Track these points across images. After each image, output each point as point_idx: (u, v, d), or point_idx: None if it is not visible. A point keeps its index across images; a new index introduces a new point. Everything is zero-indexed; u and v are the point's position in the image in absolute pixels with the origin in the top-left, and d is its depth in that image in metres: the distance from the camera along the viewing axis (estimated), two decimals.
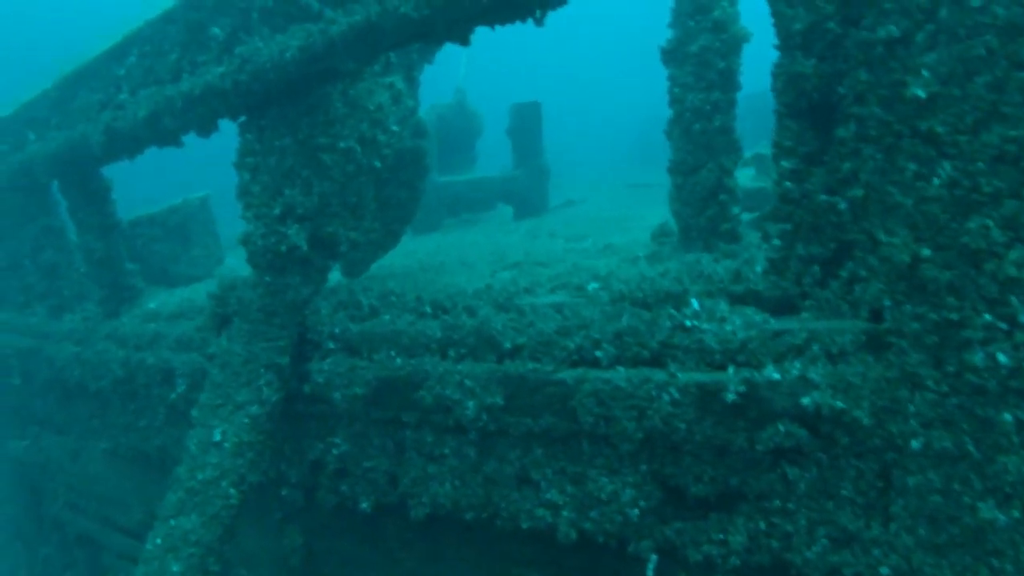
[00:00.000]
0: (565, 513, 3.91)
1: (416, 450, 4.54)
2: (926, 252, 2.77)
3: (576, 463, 3.91)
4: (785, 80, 3.20)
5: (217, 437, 4.48)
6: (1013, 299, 2.59)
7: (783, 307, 3.43)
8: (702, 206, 4.85)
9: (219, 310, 4.86)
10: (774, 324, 3.32)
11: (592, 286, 4.04)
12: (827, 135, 3.17)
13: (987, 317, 2.67)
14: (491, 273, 6.26)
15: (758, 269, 3.61)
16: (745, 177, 7.17)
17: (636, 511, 3.71)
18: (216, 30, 4.35)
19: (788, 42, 3.15)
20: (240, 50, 4.18)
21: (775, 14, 3.21)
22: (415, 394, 4.29)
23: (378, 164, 4.88)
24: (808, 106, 3.18)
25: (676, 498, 3.69)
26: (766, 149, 7.35)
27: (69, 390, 7.32)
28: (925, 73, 2.67)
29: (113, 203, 6.75)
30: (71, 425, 7.93)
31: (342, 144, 4.61)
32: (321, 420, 4.98)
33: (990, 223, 2.61)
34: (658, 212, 10.32)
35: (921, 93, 2.67)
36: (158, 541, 4.34)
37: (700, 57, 4.64)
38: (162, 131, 4.93)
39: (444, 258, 7.26)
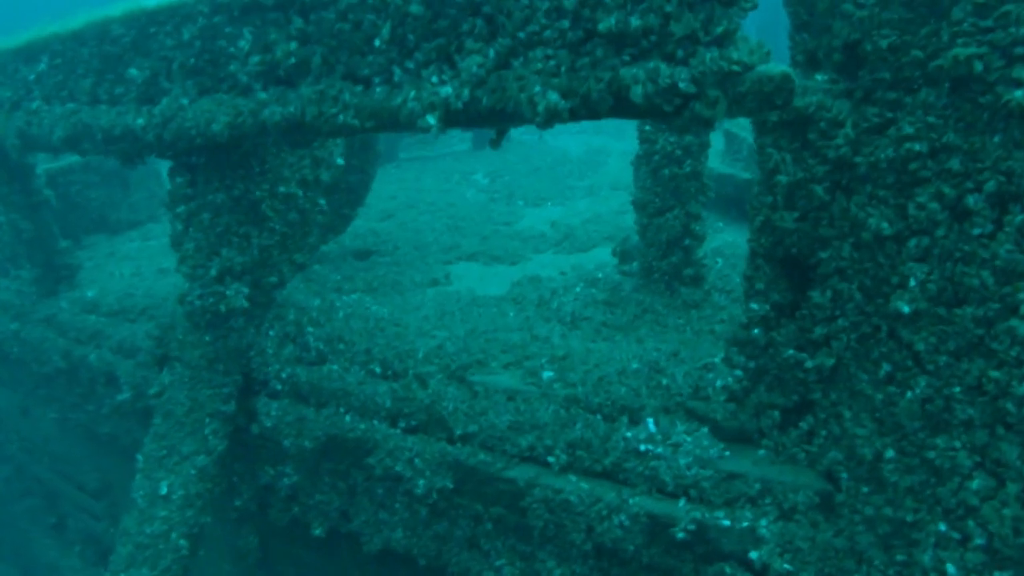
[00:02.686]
0: None
1: (367, 497, 4.51)
2: (890, 453, 2.68)
3: (526, 543, 3.93)
4: (763, 223, 2.95)
5: (164, 490, 4.38)
6: (970, 523, 2.54)
7: (739, 436, 3.36)
8: (666, 250, 4.62)
9: (159, 351, 4.62)
10: (729, 463, 3.25)
11: (547, 375, 3.88)
12: (802, 290, 2.96)
13: (942, 527, 2.63)
14: (444, 271, 6.02)
15: (719, 383, 3.49)
16: (713, 155, 6.82)
17: None
18: (134, 72, 3.81)
19: (771, 188, 2.87)
20: (162, 108, 3.69)
21: (759, 148, 2.90)
22: (365, 458, 4.22)
23: (323, 202, 4.50)
24: (784, 256, 2.95)
25: None
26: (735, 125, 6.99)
27: (10, 360, 7.07)
28: (912, 283, 2.46)
29: (39, 178, 6.21)
30: (17, 384, 7.73)
31: (282, 189, 4.22)
32: (271, 450, 4.90)
33: (958, 445, 2.51)
34: (624, 146, 9.95)
35: (905, 309, 2.47)
36: None
37: None
38: (81, 150, 4.47)
39: (398, 234, 6.93)
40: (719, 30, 2.16)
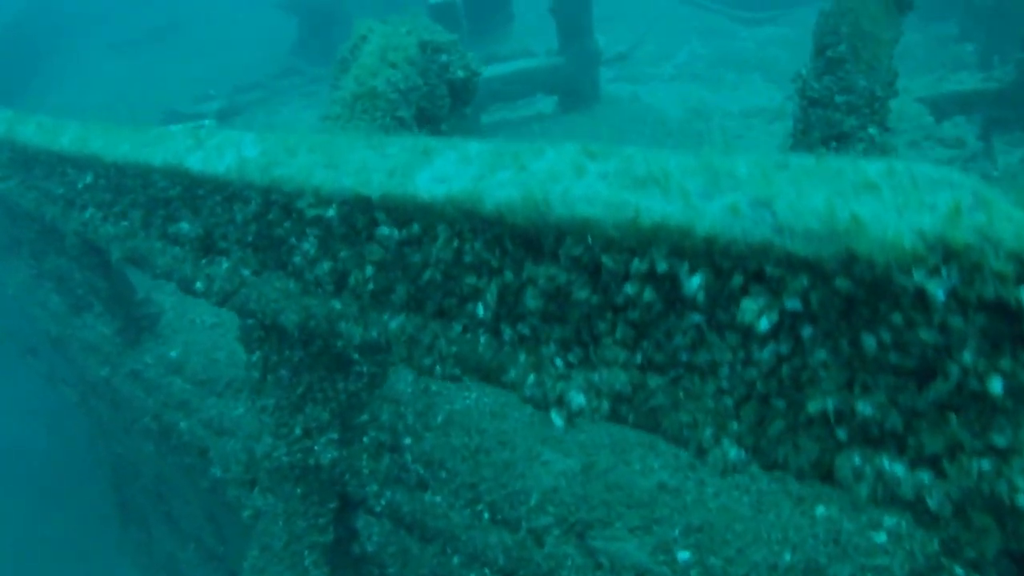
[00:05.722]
0: None
1: None
2: None
3: None
4: None
5: None
6: None
7: None
8: None
9: (247, 476, 4.32)
10: None
11: (682, 555, 3.37)
12: None
13: None
14: None
15: None
16: None
17: None
18: (185, 226, 3.27)
19: None
20: (221, 277, 3.16)
21: None
22: None
23: None
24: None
25: None
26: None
27: (104, 399, 7.02)
28: None
29: None
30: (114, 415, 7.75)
31: None
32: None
33: None
34: (723, 102, 8.87)
35: None
36: None
37: None
38: (143, 271, 4.06)
39: None
40: (1001, 443, 1.45)
